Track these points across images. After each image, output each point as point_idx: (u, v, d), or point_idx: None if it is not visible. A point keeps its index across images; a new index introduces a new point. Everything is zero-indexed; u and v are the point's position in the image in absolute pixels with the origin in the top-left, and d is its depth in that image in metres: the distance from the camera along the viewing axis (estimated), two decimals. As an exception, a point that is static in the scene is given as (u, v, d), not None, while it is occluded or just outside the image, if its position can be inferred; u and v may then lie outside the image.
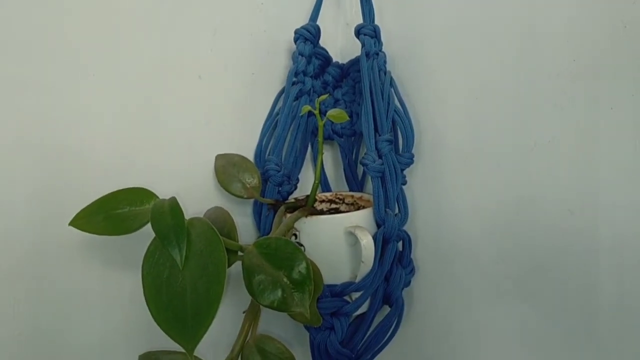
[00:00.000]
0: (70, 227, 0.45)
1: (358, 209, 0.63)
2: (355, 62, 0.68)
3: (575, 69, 0.50)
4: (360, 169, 0.70)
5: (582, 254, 0.50)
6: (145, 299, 0.40)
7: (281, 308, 0.44)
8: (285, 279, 0.44)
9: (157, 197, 0.46)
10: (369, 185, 0.69)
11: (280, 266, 0.45)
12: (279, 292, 0.44)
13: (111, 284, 0.52)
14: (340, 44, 0.74)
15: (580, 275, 0.50)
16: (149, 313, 0.40)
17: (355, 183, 0.69)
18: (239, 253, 0.49)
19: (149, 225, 0.43)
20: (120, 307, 0.53)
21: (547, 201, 0.52)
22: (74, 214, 0.45)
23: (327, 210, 0.66)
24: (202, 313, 0.39)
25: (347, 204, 0.66)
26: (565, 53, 0.51)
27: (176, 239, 0.41)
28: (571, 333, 0.51)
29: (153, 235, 0.42)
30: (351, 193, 0.67)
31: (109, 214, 0.45)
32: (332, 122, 0.68)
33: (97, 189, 0.47)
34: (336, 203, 0.67)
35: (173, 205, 0.43)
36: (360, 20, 0.64)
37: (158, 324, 0.39)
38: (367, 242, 0.54)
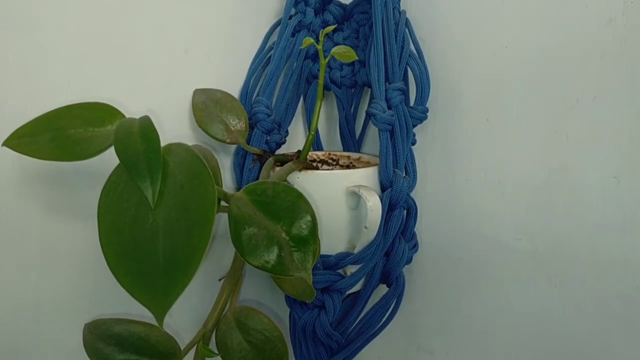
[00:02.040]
0: (3, 151, 0.33)
1: (354, 172, 0.54)
2: (360, 2, 0.59)
3: (633, 12, 0.42)
4: (358, 127, 0.61)
5: (626, 230, 0.42)
6: (101, 244, 0.30)
7: (277, 270, 0.35)
8: (284, 234, 0.35)
9: (124, 115, 0.36)
10: (367, 146, 0.60)
11: (278, 217, 0.36)
12: (275, 251, 0.35)
13: (53, 229, 0.41)
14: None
15: (620, 256, 0.43)
16: (105, 266, 0.29)
17: (351, 142, 0.60)
18: (222, 203, 0.39)
19: (110, 151, 0.32)
20: (64, 260, 0.42)
21: (587, 168, 0.45)
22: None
23: (319, 171, 0.57)
24: (179, 265, 0.29)
25: (341, 165, 0.57)
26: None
27: (148, 168, 0.31)
28: (605, 321, 0.44)
29: (115, 164, 0.32)
30: (347, 153, 0.58)
31: (59, 134, 0.34)
32: (331, 70, 0.59)
33: (43, 109, 0.36)
34: (329, 164, 0.57)
35: (146, 125, 0.33)
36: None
37: (117, 279, 0.29)
38: (374, 204, 0.45)
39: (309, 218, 0.36)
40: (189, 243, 0.29)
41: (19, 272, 0.40)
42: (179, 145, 0.33)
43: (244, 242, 0.34)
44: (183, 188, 0.31)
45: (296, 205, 0.36)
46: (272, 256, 0.34)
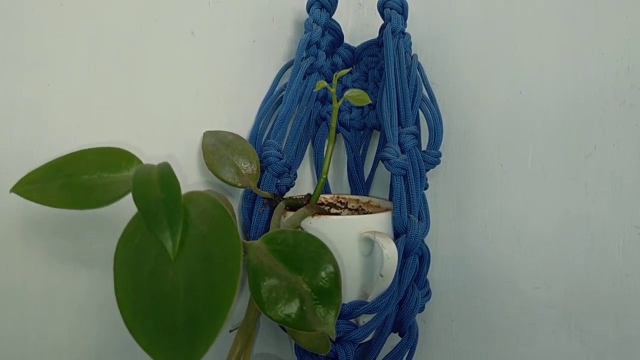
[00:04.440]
0: (12, 198, 0.32)
1: (363, 216, 0.53)
2: (369, 45, 0.58)
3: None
4: (366, 170, 0.59)
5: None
6: (117, 300, 0.28)
7: (299, 325, 0.33)
8: (305, 286, 0.34)
9: (140, 161, 0.34)
10: (375, 189, 0.59)
11: (299, 269, 0.34)
12: (297, 304, 0.33)
13: (61, 281, 0.39)
14: (351, 26, 0.64)
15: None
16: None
17: (360, 185, 0.59)
18: (238, 251, 0.37)
19: (127, 198, 0.30)
20: (71, 313, 0.39)
21: (607, 217, 0.44)
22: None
23: (329, 215, 0.55)
24: (201, 323, 0.27)
25: (350, 209, 0.56)
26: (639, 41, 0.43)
27: (168, 218, 0.29)
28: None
29: (131, 213, 0.30)
30: (356, 197, 0.56)
31: (72, 181, 0.32)
32: (340, 112, 0.58)
33: (53, 154, 0.34)
34: (337, 207, 0.56)
35: (165, 173, 0.31)
36: (374, 1, 0.55)
37: (135, 337, 0.27)
38: (390, 252, 0.43)
39: (331, 269, 0.34)
40: (212, 300, 0.27)
41: (19, 321, 0.37)
42: (200, 193, 0.31)
43: (264, 294, 0.33)
44: (205, 239, 0.29)
45: (319, 255, 0.34)
46: (293, 310, 0.33)
